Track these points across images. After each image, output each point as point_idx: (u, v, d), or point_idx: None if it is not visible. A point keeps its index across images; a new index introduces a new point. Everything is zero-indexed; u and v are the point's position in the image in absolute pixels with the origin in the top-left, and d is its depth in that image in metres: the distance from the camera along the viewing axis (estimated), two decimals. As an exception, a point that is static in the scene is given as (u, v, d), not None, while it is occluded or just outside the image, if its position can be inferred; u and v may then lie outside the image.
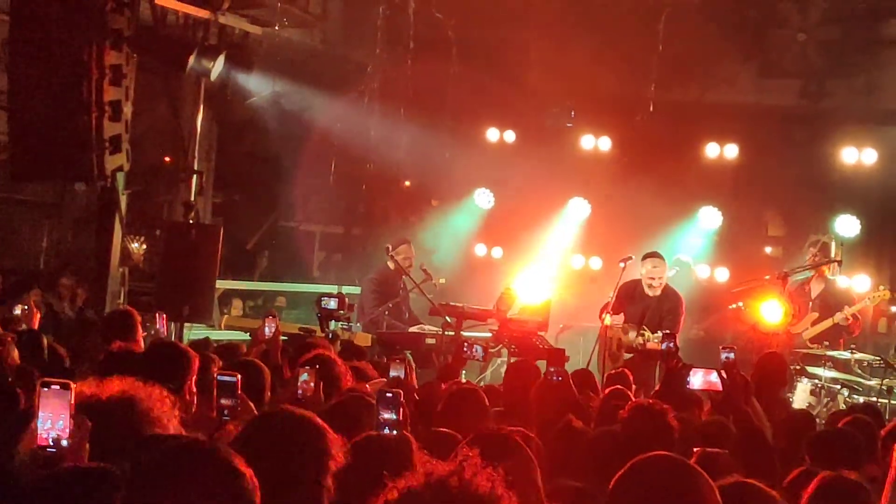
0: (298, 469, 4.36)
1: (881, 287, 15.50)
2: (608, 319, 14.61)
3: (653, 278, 14.86)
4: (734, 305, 15.55)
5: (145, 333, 10.13)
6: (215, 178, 19.20)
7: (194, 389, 7.11)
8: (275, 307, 19.27)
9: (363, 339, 14.19)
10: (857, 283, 16.63)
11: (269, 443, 4.44)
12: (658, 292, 14.86)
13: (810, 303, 15.35)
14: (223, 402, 6.43)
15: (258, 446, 4.32)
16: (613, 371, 11.88)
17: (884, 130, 18.61)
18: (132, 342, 8.96)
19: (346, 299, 13.12)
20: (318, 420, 4.59)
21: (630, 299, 14.91)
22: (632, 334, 14.69)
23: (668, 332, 14.34)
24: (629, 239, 16.77)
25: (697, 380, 9.21)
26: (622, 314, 14.80)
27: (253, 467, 3.40)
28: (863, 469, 6.85)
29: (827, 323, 14.96)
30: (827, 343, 14.76)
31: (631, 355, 14.54)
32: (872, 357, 14.75)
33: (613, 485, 3.88)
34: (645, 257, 15.08)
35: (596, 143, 19.89)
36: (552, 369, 8.64)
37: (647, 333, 14.56)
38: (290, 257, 21.57)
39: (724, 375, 8.90)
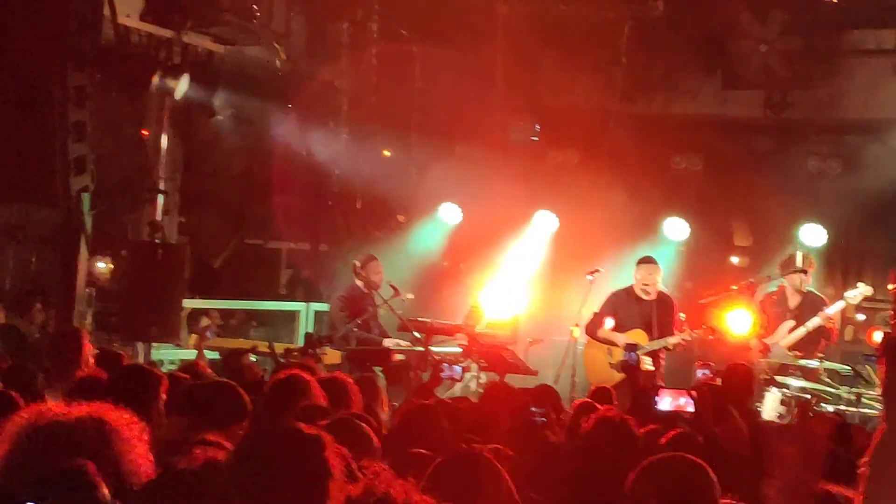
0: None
1: (859, 284, 15.43)
2: (576, 331, 14.66)
3: (647, 284, 14.92)
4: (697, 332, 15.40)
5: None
6: (181, 198, 19.14)
7: (162, 410, 7.11)
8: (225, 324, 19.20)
9: (333, 357, 14.19)
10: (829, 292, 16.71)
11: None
12: (653, 297, 14.92)
13: (787, 313, 15.39)
14: None
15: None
16: (595, 386, 11.91)
17: (847, 140, 18.72)
18: (75, 363, 8.97)
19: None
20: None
21: (625, 306, 14.94)
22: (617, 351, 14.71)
23: (630, 342, 14.46)
24: (597, 251, 16.80)
25: (666, 403, 9.21)
26: (613, 321, 14.86)
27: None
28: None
29: (801, 330, 15.01)
30: (800, 353, 14.80)
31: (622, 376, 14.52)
32: (841, 366, 14.81)
33: (630, 485, 3.90)
34: (639, 262, 15.13)
35: (562, 156, 19.91)
36: (535, 410, 8.55)
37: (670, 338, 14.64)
38: (257, 275, 21.53)
39: (696, 395, 8.90)
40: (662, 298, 15.08)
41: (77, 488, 4.04)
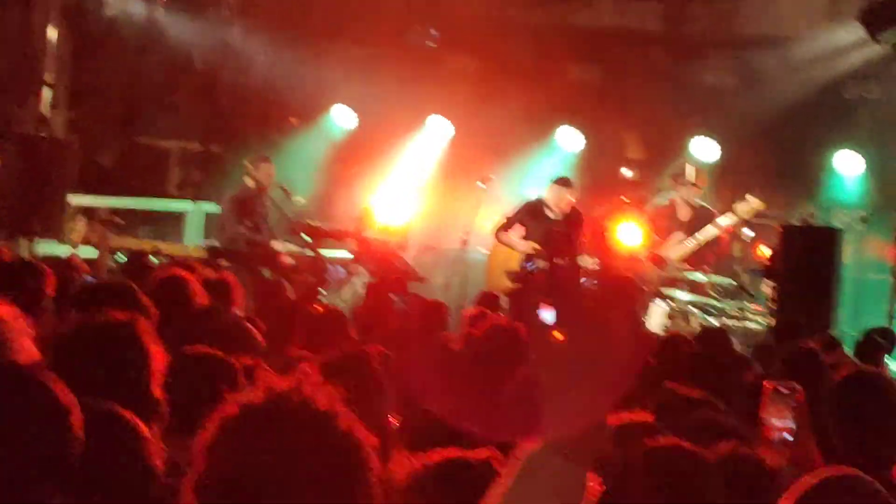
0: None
1: (747, 197, 15.38)
2: (512, 234, 14.58)
3: (557, 205, 14.79)
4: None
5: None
6: (70, 93, 18.74)
7: (50, 305, 6.98)
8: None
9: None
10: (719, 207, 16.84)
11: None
12: (560, 216, 14.80)
13: (678, 225, 15.45)
14: None
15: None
16: (483, 291, 11.90)
17: (744, 56, 18.78)
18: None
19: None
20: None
21: (533, 219, 14.85)
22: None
23: (531, 252, 14.42)
24: (491, 159, 16.76)
25: (549, 315, 9.26)
26: (523, 230, 14.78)
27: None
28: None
29: (692, 242, 15.09)
30: (690, 266, 14.91)
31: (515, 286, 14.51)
32: (727, 280, 14.95)
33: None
34: (552, 183, 15.01)
35: (458, 62, 19.79)
36: (395, 297, 8.56)
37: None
38: (147, 174, 21.20)
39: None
40: (571, 215, 14.96)
41: None
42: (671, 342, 8.77)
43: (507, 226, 14.89)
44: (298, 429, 2.52)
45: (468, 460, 3.65)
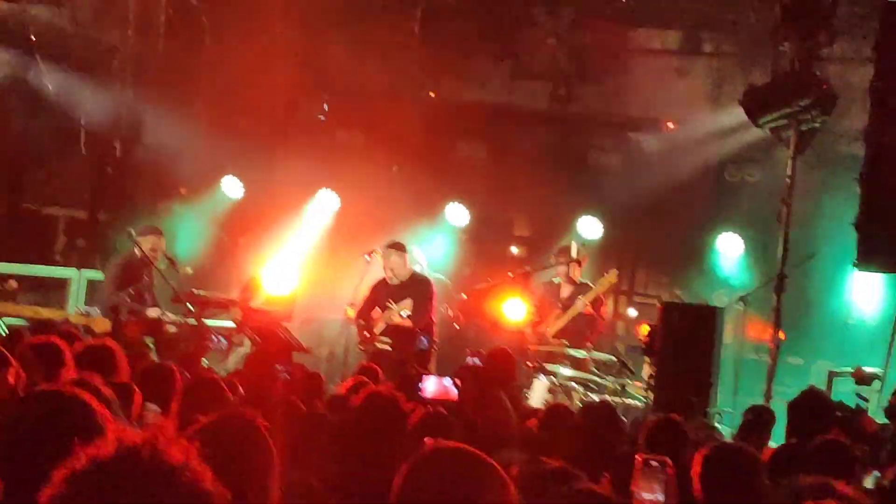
0: None
1: (608, 272, 15.77)
2: (350, 311, 14.69)
3: (390, 269, 14.94)
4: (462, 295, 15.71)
5: None
6: (-46, 157, 18.58)
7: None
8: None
9: (102, 325, 13.90)
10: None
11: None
12: (403, 280, 14.94)
13: (558, 302, 15.65)
14: None
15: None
16: (363, 363, 11.93)
17: (629, 136, 19.08)
18: None
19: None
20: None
21: (381, 292, 14.99)
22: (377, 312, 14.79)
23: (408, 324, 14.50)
24: (377, 233, 16.81)
25: (431, 386, 9.27)
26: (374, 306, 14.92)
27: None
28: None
29: (565, 317, 15.33)
30: (567, 342, 15.09)
31: (387, 340, 14.61)
32: (608, 356, 15.13)
33: (402, 478, 3.81)
34: (387, 247, 15.15)
35: (348, 136, 19.93)
36: (279, 367, 8.57)
37: (392, 307, 14.64)
38: (32, 240, 20.97)
39: (458, 382, 8.97)
40: (415, 281, 15.13)
41: None
42: (553, 414, 8.87)
43: (362, 309, 15.01)
44: (148, 483, 2.45)
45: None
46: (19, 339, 9.45)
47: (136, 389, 7.47)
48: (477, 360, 10.91)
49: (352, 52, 18.96)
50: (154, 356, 12.16)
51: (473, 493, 3.69)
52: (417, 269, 15.66)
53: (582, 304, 15.34)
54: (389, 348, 14.71)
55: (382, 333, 14.79)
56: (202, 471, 2.52)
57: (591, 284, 15.83)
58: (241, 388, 9.15)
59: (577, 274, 15.75)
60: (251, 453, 4.95)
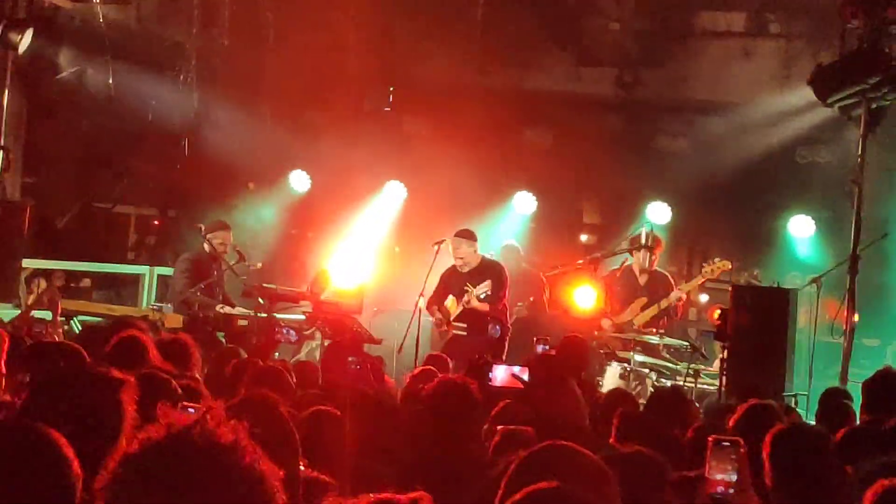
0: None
1: (716, 259, 15.63)
2: (421, 301, 14.68)
3: (459, 258, 14.93)
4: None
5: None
6: (25, 158, 18.70)
7: (3, 370, 6.96)
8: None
9: (174, 321, 14.00)
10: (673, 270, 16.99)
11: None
12: (468, 269, 14.92)
13: (638, 290, 15.56)
14: None
15: None
16: (430, 353, 11.91)
17: (696, 119, 18.94)
18: None
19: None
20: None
21: (451, 279, 14.98)
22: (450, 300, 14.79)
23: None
24: (446, 223, 16.78)
25: (500, 375, 9.24)
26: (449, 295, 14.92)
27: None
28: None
29: (653, 309, 15.25)
30: (654, 331, 15.01)
31: (463, 326, 14.61)
32: (680, 342, 15.01)
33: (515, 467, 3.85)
34: (455, 236, 15.11)
35: (414, 126, 19.93)
36: (351, 359, 8.57)
37: (470, 289, 14.61)
38: (104, 238, 21.14)
39: (528, 369, 8.92)
40: (488, 265, 15.09)
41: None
42: (613, 399, 8.82)
43: (434, 298, 15.00)
44: (200, 463, 2.49)
45: (397, 501, 3.64)
46: (97, 336, 9.55)
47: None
48: (546, 347, 10.79)
49: (416, 43, 18.99)
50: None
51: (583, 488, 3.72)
52: (487, 256, 15.61)
53: (677, 296, 15.30)
54: (465, 333, 14.71)
55: (456, 319, 14.78)
56: (253, 449, 2.56)
57: (662, 271, 15.78)
58: (314, 378, 9.20)
59: (653, 261, 15.63)
60: (268, 435, 4.96)
